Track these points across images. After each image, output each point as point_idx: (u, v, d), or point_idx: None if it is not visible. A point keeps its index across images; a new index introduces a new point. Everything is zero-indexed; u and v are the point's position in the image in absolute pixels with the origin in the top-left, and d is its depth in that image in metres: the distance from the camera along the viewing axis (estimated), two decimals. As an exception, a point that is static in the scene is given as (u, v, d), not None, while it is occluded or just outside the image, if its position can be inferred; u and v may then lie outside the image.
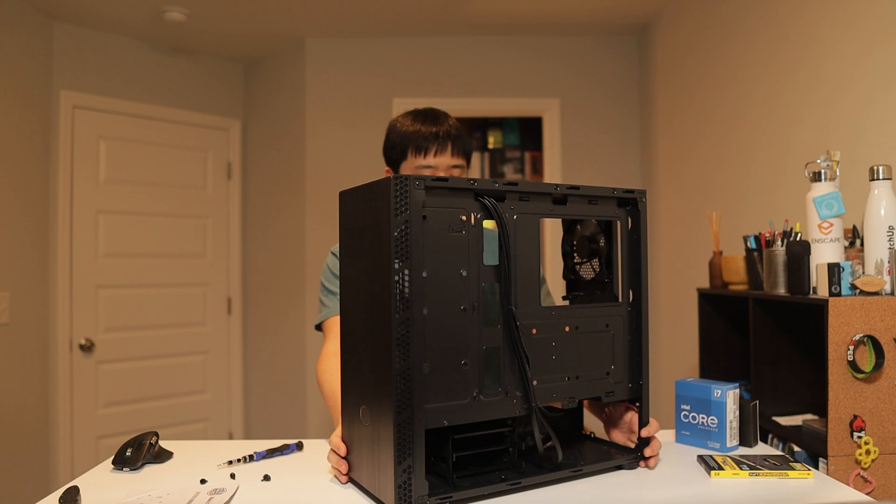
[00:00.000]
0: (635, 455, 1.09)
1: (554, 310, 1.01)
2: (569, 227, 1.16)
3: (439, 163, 1.39)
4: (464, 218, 0.92)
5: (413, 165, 1.41)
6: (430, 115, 1.44)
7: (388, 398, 0.87)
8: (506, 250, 0.94)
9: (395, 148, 1.44)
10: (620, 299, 1.09)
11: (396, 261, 0.85)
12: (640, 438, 1.09)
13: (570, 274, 1.17)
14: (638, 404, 1.09)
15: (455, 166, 1.41)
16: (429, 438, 0.94)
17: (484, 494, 0.94)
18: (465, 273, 0.92)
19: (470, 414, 0.92)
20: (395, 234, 0.85)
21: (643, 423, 1.09)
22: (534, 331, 0.98)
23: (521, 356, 0.95)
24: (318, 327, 1.46)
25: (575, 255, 1.16)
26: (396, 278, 0.85)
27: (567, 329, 1.02)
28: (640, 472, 1.08)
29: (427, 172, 1.39)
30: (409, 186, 0.86)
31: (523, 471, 0.99)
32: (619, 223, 1.08)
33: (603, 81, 3.46)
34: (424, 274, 0.88)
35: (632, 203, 1.08)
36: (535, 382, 0.97)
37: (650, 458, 1.08)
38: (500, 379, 0.95)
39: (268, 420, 3.61)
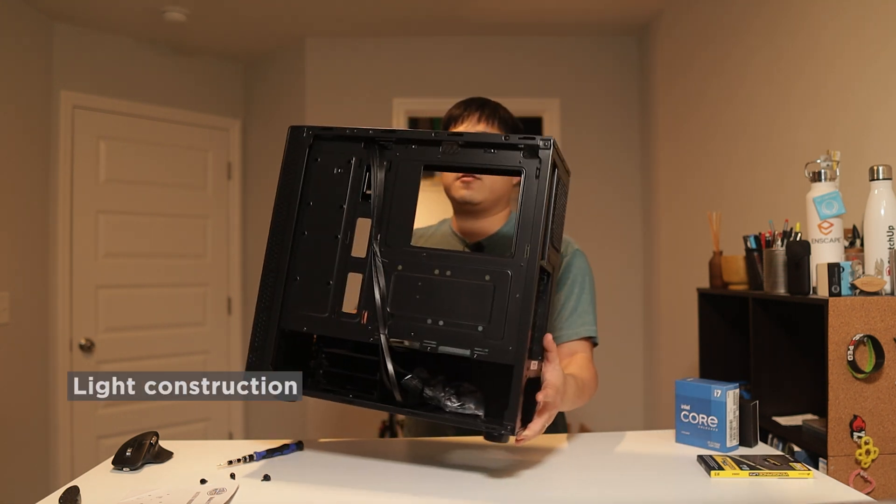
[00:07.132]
0: (502, 428, 0.94)
1: (426, 251, 1.02)
2: None
3: (467, 129, 1.40)
4: (352, 161, 1.05)
5: None
6: (468, 99, 1.48)
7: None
8: (375, 190, 1.04)
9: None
10: (514, 253, 0.98)
11: (288, 191, 1.06)
12: (506, 411, 0.94)
13: None
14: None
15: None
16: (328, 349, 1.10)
17: (328, 398, 1.05)
18: (344, 207, 1.05)
19: (327, 328, 1.04)
20: (286, 169, 1.07)
21: (514, 399, 0.93)
22: (399, 267, 1.02)
23: (376, 285, 1.00)
24: None
25: None
26: (285, 204, 1.05)
27: (436, 273, 0.99)
28: (641, 472, 1.08)
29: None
30: (299, 133, 1.07)
31: (388, 398, 1.02)
32: (523, 174, 0.99)
33: (603, 82, 3.46)
34: (311, 203, 1.06)
35: (535, 150, 0.99)
36: (390, 313, 1.00)
37: (519, 436, 0.96)
38: (357, 303, 1.02)
39: (268, 420, 3.61)
